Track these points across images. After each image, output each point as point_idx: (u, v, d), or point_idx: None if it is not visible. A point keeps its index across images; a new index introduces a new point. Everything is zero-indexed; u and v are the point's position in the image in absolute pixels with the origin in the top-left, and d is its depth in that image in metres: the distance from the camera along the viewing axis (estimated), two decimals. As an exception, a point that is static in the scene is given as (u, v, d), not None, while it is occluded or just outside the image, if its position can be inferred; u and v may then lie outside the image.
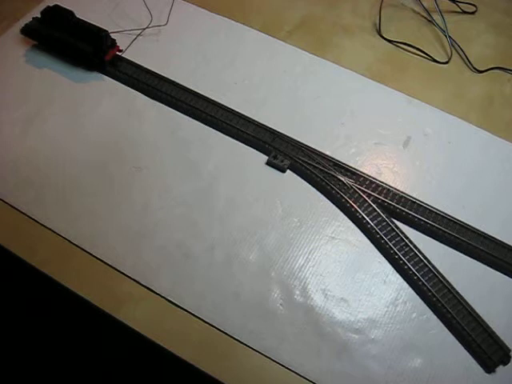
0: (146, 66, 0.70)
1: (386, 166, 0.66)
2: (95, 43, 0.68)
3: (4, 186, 0.60)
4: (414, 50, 0.79)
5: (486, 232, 0.60)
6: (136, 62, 0.71)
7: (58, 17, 0.69)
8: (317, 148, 0.65)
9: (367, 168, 0.65)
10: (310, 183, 0.63)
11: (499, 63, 0.78)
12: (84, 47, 0.68)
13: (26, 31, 0.72)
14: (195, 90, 0.69)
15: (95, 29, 0.68)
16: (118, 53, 0.71)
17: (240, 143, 0.66)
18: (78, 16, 0.69)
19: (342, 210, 0.62)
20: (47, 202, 0.59)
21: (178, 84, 0.69)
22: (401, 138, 0.69)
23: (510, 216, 0.63)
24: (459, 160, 0.67)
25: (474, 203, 0.63)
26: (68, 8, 0.69)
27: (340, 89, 0.73)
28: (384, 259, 0.59)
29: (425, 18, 0.84)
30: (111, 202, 0.60)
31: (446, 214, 0.61)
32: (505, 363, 0.53)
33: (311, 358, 0.52)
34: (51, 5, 0.69)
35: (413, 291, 0.57)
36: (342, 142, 0.67)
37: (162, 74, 0.70)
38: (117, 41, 0.70)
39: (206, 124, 0.67)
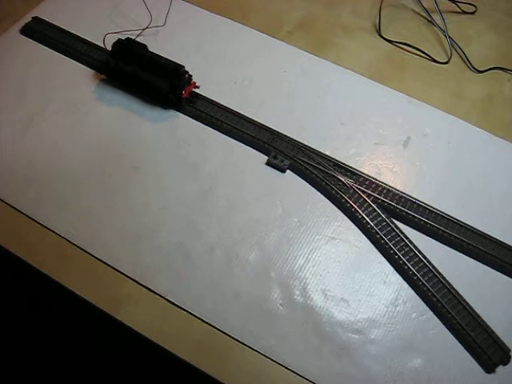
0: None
1: (386, 166, 0.66)
2: (173, 79, 0.63)
3: (4, 186, 0.60)
4: (414, 50, 0.79)
5: (486, 232, 0.60)
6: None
7: (130, 51, 0.64)
8: (317, 148, 0.65)
9: (367, 168, 0.65)
10: (309, 183, 0.63)
11: (499, 63, 0.78)
12: (160, 84, 0.64)
13: (26, 31, 0.72)
14: (194, 90, 0.69)
15: (172, 64, 0.64)
16: (194, 89, 0.67)
17: (240, 143, 0.66)
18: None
19: (341, 210, 0.62)
20: (47, 202, 0.59)
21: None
22: (401, 138, 0.69)
23: (509, 216, 0.63)
24: (459, 160, 0.67)
25: (473, 203, 0.63)
26: (141, 42, 0.66)
27: (340, 89, 0.73)
28: (384, 259, 0.59)
29: (425, 18, 0.84)
30: (111, 202, 0.60)
31: (445, 214, 0.61)
32: (505, 363, 0.53)
33: (311, 358, 0.52)
34: (123, 38, 0.66)
35: (413, 291, 0.57)
36: (341, 142, 0.67)
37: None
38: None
39: (205, 124, 0.67)
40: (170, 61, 0.64)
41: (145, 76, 0.65)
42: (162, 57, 0.65)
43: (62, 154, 0.63)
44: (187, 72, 0.65)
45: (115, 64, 0.66)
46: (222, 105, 0.67)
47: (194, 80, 0.67)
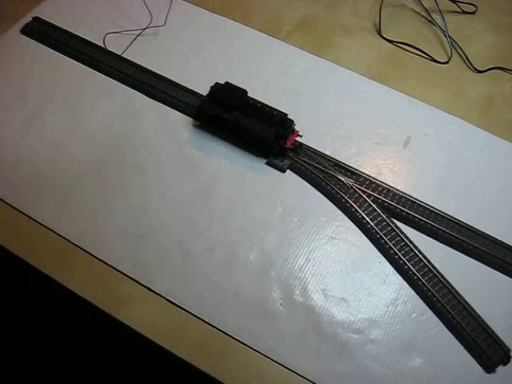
0: (145, 66, 0.70)
1: (386, 166, 0.66)
2: (279, 129, 0.60)
3: (4, 186, 0.60)
4: (414, 50, 0.79)
5: (486, 232, 0.60)
6: (135, 61, 0.70)
7: (229, 96, 0.61)
8: (317, 148, 0.65)
9: (367, 168, 0.65)
10: (310, 183, 0.63)
11: (499, 63, 0.78)
12: (264, 133, 0.60)
13: (27, 31, 0.72)
14: (195, 90, 0.69)
15: (278, 112, 0.61)
16: (296, 138, 0.64)
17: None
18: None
19: (342, 210, 0.62)
20: (47, 201, 0.59)
21: (177, 84, 0.69)
22: (401, 138, 0.69)
23: (510, 216, 0.63)
24: (459, 160, 0.67)
25: (473, 203, 0.63)
26: (241, 86, 0.63)
27: (340, 89, 0.72)
28: (384, 259, 0.59)
29: (425, 17, 0.83)
30: (111, 201, 0.60)
31: (445, 213, 0.61)
32: (505, 363, 0.53)
33: (311, 358, 0.52)
34: (221, 82, 0.63)
35: (413, 291, 0.57)
36: (341, 141, 0.67)
37: (162, 74, 0.70)
38: (117, 41, 0.70)
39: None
40: (274, 109, 0.62)
41: (246, 124, 0.61)
42: (263, 103, 0.62)
43: (63, 153, 0.63)
44: (292, 121, 0.63)
45: (212, 110, 0.62)
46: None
47: (298, 131, 0.65)
